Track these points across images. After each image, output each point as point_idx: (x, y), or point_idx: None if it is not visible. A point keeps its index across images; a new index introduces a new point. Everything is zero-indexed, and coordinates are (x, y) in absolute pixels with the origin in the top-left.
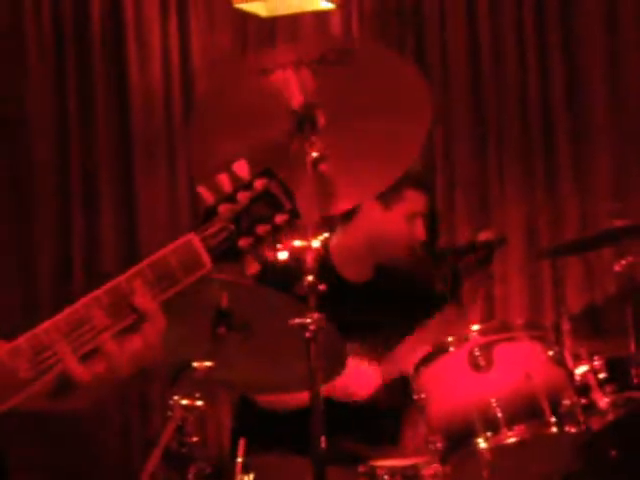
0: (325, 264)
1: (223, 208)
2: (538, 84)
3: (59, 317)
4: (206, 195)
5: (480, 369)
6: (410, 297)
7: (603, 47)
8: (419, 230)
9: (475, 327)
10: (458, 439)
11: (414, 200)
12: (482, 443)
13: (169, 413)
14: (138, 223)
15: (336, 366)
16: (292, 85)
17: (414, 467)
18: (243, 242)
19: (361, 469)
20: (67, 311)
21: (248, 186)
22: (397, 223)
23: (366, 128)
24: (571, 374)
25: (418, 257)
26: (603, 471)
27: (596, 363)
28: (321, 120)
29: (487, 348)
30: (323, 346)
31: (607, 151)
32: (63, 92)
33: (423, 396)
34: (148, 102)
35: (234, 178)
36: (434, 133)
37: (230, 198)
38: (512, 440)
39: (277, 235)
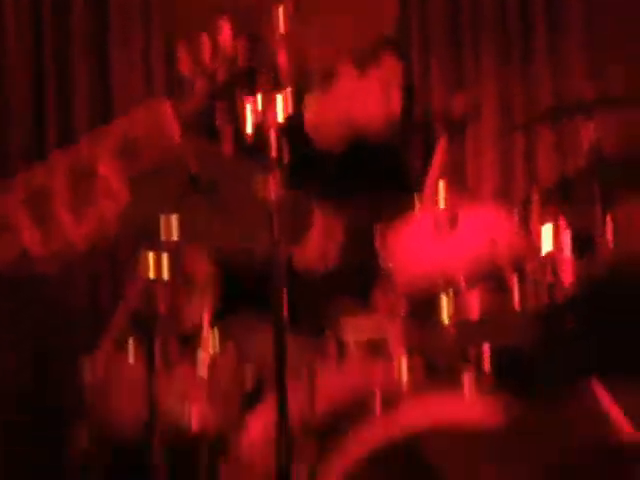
0: (300, 133)
1: (199, 84)
2: None
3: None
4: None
5: (443, 231)
6: (380, 171)
7: None
8: (395, 102)
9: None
10: (422, 305)
11: (391, 67)
12: (444, 311)
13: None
14: (113, 93)
15: (301, 231)
16: None
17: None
18: (219, 120)
19: (328, 334)
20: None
21: (230, 64)
22: (373, 91)
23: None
24: (537, 247)
25: (393, 130)
26: (559, 343)
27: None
28: None
29: (451, 210)
30: (288, 215)
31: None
32: None
33: (390, 265)
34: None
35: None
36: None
37: (209, 74)
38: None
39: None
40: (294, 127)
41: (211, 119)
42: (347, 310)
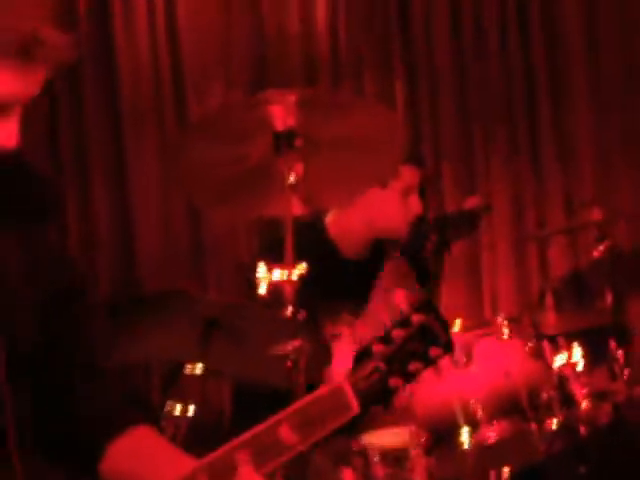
0: (324, 242)
1: (377, 348)
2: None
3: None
4: (402, 304)
5: (460, 366)
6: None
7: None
8: (415, 204)
9: (456, 323)
10: (441, 435)
11: (409, 176)
12: (465, 441)
13: (162, 424)
14: (130, 195)
15: (319, 370)
16: (277, 113)
17: (404, 448)
18: (394, 382)
19: (354, 447)
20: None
21: (405, 323)
22: (394, 200)
23: (338, 157)
24: (549, 367)
25: (413, 229)
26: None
27: (575, 352)
28: (298, 143)
29: (467, 345)
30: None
31: (588, 133)
32: None
33: (408, 391)
34: (135, 72)
35: (393, 311)
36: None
37: (385, 337)
38: (493, 438)
39: (428, 367)
40: (319, 237)
41: (385, 383)
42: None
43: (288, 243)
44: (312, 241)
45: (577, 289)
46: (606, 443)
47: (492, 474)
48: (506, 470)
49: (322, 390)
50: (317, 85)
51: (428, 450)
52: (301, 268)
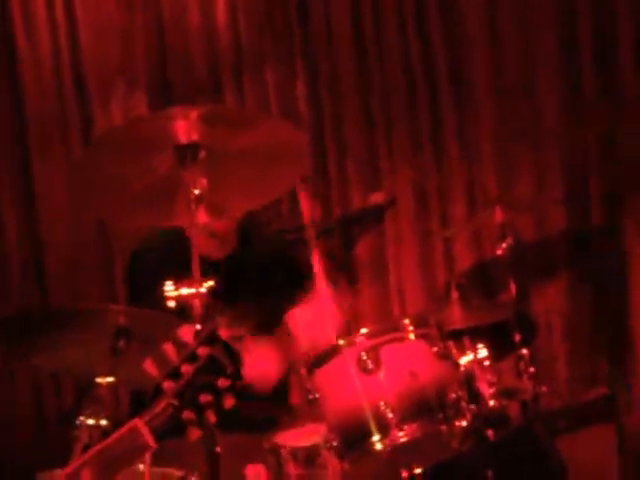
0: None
1: (167, 385)
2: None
3: None
4: (151, 370)
5: (369, 372)
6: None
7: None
8: None
9: (362, 330)
10: (353, 439)
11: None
12: (376, 444)
13: (75, 434)
14: (38, 210)
15: None
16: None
17: (315, 447)
18: (186, 415)
19: (265, 445)
20: None
21: (192, 357)
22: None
23: (243, 168)
24: (456, 366)
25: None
26: None
27: (481, 350)
28: (202, 155)
29: (374, 350)
30: None
31: (489, 118)
32: None
33: (317, 396)
34: (39, 82)
35: (179, 345)
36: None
37: (174, 373)
38: (404, 440)
39: (219, 399)
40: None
41: (179, 417)
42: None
43: (194, 255)
44: None
45: (482, 283)
46: (514, 445)
47: (404, 474)
48: (418, 470)
49: (120, 431)
50: (220, 84)
51: (341, 454)
52: (208, 283)
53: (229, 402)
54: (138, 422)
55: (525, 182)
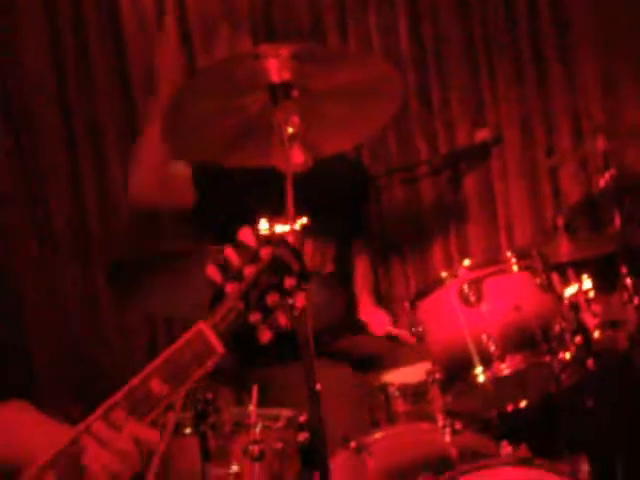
0: None
1: (230, 287)
2: None
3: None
4: (214, 274)
5: (471, 304)
6: None
7: None
8: None
9: (465, 263)
10: (456, 371)
11: None
12: (479, 376)
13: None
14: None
15: None
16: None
17: (423, 383)
18: (253, 317)
19: (374, 383)
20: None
21: (254, 258)
22: None
23: (336, 106)
24: (560, 298)
25: None
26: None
27: (586, 281)
28: (295, 94)
29: (476, 283)
30: None
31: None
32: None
33: (420, 329)
34: (142, 30)
35: (241, 247)
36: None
37: (237, 275)
38: (506, 372)
39: (287, 298)
40: None
41: (245, 320)
42: None
43: (289, 195)
44: None
45: (589, 215)
46: (615, 375)
47: (509, 407)
48: (523, 403)
49: (184, 338)
50: (323, 27)
51: (444, 387)
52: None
53: (300, 301)
54: (203, 325)
55: (632, 109)
